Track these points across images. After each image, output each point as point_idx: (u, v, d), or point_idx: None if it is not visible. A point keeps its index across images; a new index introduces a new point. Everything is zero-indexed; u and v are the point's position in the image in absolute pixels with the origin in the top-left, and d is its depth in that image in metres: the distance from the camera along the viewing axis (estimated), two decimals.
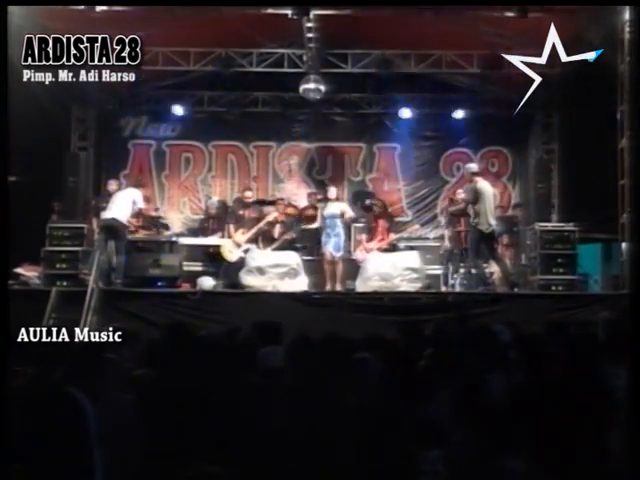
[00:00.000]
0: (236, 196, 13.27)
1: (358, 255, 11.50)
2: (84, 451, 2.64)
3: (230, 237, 11.60)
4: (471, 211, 10.71)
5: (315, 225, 11.80)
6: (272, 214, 11.87)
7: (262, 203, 12.97)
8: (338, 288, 10.84)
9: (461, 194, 12.26)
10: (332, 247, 11.00)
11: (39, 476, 2.58)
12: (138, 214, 11.05)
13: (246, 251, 11.20)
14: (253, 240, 11.52)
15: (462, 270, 11.57)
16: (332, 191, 11.62)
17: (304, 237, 12.01)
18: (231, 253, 11.32)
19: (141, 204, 10.83)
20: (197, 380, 3.94)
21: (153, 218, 12.04)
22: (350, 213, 11.45)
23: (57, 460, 2.59)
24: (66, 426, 2.65)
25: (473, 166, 11.32)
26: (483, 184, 10.77)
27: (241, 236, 11.47)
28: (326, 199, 11.61)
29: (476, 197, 10.54)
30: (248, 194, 12.32)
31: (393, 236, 11.92)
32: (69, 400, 2.72)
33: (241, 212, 11.95)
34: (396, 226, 12.83)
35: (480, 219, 10.47)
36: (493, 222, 10.59)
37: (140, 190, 11.03)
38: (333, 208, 11.25)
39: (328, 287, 10.82)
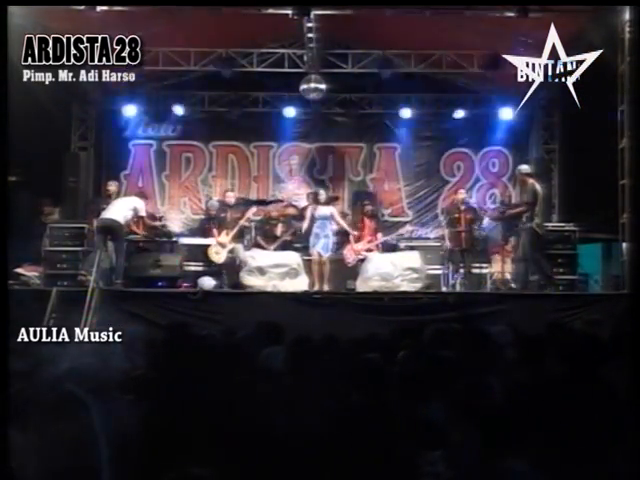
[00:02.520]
0: (217, 198, 13.19)
1: (347, 256, 11.54)
2: (90, 451, 2.64)
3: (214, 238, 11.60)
4: (521, 213, 10.58)
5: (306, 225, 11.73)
6: (251, 209, 11.88)
7: (262, 203, 12.98)
8: (325, 288, 10.82)
9: (462, 193, 12.22)
10: (321, 248, 11.00)
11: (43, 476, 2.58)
12: (138, 222, 11.04)
13: (231, 251, 11.26)
14: (238, 238, 11.55)
15: (462, 270, 11.58)
16: (322, 194, 11.63)
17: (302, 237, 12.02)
18: (217, 255, 11.39)
19: (143, 212, 10.84)
20: (197, 380, 3.94)
21: (156, 228, 12.00)
22: (338, 219, 11.45)
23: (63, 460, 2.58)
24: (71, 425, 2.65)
25: (526, 167, 11.09)
26: (537, 185, 10.62)
27: (225, 237, 11.51)
28: (316, 202, 11.60)
29: (535, 198, 10.45)
30: (229, 194, 12.38)
31: (381, 237, 11.95)
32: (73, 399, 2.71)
33: (223, 214, 11.95)
34: (383, 226, 12.83)
35: (537, 220, 10.39)
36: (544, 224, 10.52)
37: (143, 200, 11.03)
38: (323, 210, 11.25)
39: (316, 287, 10.81)
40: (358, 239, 11.72)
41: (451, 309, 9.49)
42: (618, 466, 3.22)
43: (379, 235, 11.94)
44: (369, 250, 11.55)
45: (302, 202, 13.39)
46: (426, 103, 13.86)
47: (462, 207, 11.83)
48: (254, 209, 12.03)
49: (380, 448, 3.04)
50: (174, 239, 12.15)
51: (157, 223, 12.25)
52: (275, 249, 11.63)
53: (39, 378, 3.11)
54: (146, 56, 8.28)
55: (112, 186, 11.81)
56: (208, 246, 11.55)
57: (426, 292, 10.46)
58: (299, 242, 11.90)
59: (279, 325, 5.81)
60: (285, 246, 11.82)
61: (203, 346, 5.06)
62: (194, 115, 14.00)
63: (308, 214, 11.42)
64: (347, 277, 11.34)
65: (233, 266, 11.19)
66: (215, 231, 11.66)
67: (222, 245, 11.45)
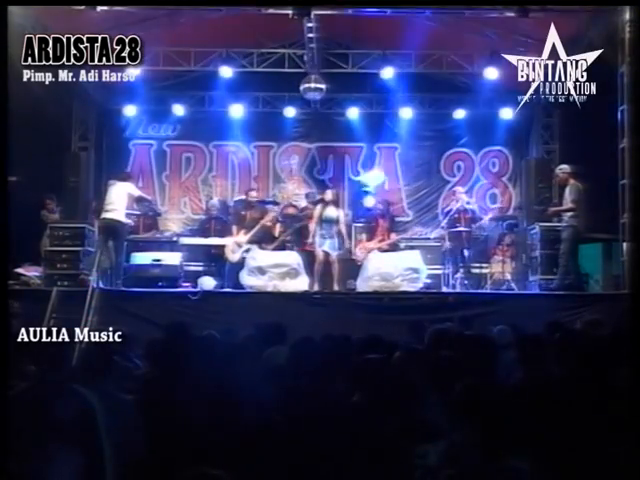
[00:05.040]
0: (239, 197, 13.24)
1: (358, 254, 11.52)
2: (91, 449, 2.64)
3: (232, 237, 11.62)
4: (568, 211, 10.51)
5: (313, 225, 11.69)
6: (271, 213, 11.89)
7: (263, 203, 12.98)
8: (336, 288, 10.82)
9: (461, 193, 12.20)
10: (329, 247, 11.00)
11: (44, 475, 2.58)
12: (139, 201, 11.21)
13: (247, 251, 11.23)
14: (255, 240, 11.53)
15: (462, 270, 11.58)
16: (329, 193, 11.61)
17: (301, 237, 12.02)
18: (233, 254, 11.35)
19: (137, 192, 11.03)
20: (197, 380, 3.94)
21: (144, 201, 12.00)
22: (342, 225, 11.40)
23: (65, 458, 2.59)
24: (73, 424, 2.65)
25: (566, 166, 10.99)
26: (579, 184, 10.54)
27: (243, 236, 11.49)
28: (323, 201, 11.56)
29: (580, 197, 10.40)
30: (253, 194, 12.28)
31: (394, 236, 11.93)
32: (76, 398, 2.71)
33: (243, 212, 11.94)
34: (398, 226, 12.81)
35: (579, 219, 10.37)
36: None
37: (130, 182, 11.13)
38: (330, 211, 11.23)
39: (317, 287, 10.81)
40: (370, 238, 11.70)
41: (451, 309, 9.49)
42: (619, 465, 3.22)
43: (392, 235, 11.85)
44: (380, 249, 11.48)
45: (302, 202, 13.39)
46: (426, 103, 13.86)
47: (460, 207, 11.86)
48: (276, 209, 12.02)
49: (380, 445, 3.05)
50: (174, 239, 12.16)
51: (146, 196, 12.22)
52: (274, 249, 11.61)
53: None
54: (146, 56, 8.29)
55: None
56: (221, 246, 11.56)
57: (426, 292, 10.46)
58: (298, 242, 11.89)
59: (279, 325, 5.82)
60: (285, 246, 11.81)
61: (203, 346, 5.06)
62: (194, 115, 13.99)
63: (316, 214, 11.33)
64: (347, 277, 11.34)
65: (241, 267, 11.14)
66: (235, 229, 11.68)
67: (239, 245, 11.43)
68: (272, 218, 11.80)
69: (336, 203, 11.62)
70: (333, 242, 11.09)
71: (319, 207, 11.50)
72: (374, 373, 4.17)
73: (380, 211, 12.15)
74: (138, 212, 11.86)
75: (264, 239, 11.76)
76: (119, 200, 10.54)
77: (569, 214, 10.45)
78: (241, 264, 11.08)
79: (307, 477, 3.12)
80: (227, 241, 11.58)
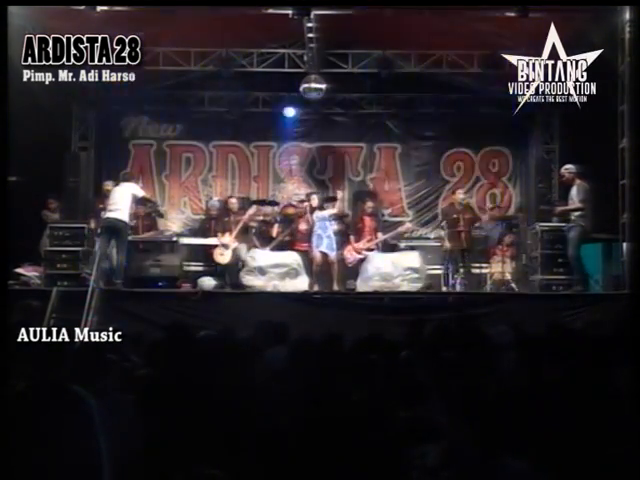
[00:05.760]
0: (217, 198, 13.31)
1: (347, 256, 11.56)
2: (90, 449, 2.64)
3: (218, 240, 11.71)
4: (577, 211, 10.57)
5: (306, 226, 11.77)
6: (249, 211, 11.92)
7: (262, 203, 13.00)
8: (336, 288, 10.84)
9: (460, 193, 12.21)
10: (326, 247, 11.04)
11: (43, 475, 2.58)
12: (144, 203, 11.25)
13: (234, 250, 11.30)
14: (242, 238, 11.57)
15: (462, 270, 11.58)
16: (314, 199, 11.74)
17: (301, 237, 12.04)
18: (222, 256, 11.44)
19: (142, 193, 11.05)
20: (197, 381, 3.94)
21: (147, 202, 12.05)
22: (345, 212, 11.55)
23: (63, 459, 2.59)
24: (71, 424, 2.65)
25: (572, 166, 10.99)
26: (586, 184, 10.60)
27: (228, 237, 11.55)
28: (311, 207, 11.62)
29: (588, 196, 10.44)
30: (232, 200, 12.46)
31: (381, 236, 11.96)
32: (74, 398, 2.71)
33: (226, 218, 12.00)
34: (383, 226, 12.83)
35: (586, 219, 10.41)
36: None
37: (134, 182, 11.24)
38: (322, 212, 11.31)
39: (316, 287, 10.83)
40: (358, 238, 11.74)
41: (451, 309, 9.50)
42: (619, 466, 3.22)
43: (379, 234, 11.94)
44: (369, 249, 11.56)
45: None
46: (426, 103, 13.85)
47: (460, 207, 11.88)
48: (254, 207, 12.11)
49: (380, 445, 3.05)
50: (174, 239, 12.17)
51: (148, 195, 12.28)
52: (272, 250, 11.65)
53: None
54: (146, 56, 8.29)
55: (108, 186, 11.81)
56: (212, 248, 11.61)
57: (426, 292, 10.47)
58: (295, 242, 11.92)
59: (279, 325, 5.82)
60: (283, 247, 11.84)
61: (203, 346, 5.06)
62: (194, 115, 13.99)
63: (307, 216, 11.45)
64: (347, 277, 11.36)
65: (237, 268, 11.19)
66: (218, 233, 11.75)
67: (225, 246, 11.48)
68: (250, 216, 11.85)
69: (321, 207, 11.63)
70: (330, 242, 11.13)
71: (309, 209, 11.60)
72: (374, 373, 4.18)
73: (370, 210, 12.17)
74: (142, 212, 11.90)
75: (261, 239, 11.81)
76: (123, 200, 10.56)
77: (576, 213, 10.48)
78: (234, 265, 11.15)
79: (306, 477, 3.12)
80: (213, 242, 11.64)
